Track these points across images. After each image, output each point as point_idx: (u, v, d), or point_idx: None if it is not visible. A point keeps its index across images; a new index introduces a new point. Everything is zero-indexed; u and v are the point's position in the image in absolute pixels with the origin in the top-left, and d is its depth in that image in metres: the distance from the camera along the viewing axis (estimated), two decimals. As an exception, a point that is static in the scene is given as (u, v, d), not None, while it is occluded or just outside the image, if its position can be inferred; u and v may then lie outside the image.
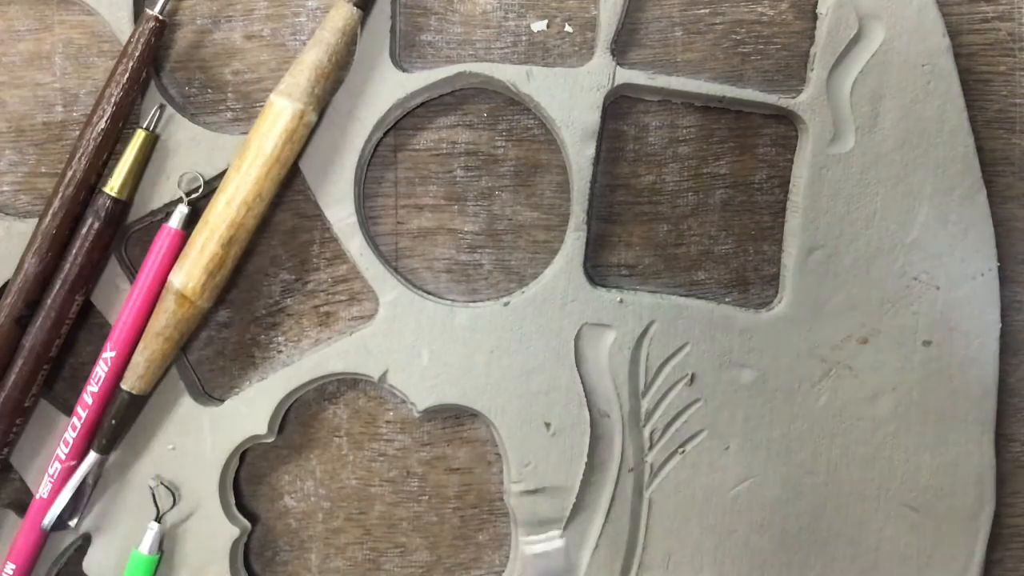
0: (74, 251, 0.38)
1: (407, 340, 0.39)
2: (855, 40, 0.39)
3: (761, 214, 0.41)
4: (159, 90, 0.39)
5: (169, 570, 0.40)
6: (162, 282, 0.38)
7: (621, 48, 0.40)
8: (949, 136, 0.39)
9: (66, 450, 0.38)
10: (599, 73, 0.39)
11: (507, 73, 0.39)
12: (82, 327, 0.40)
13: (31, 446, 0.40)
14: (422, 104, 0.40)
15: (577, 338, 0.39)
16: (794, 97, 0.39)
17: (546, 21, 0.40)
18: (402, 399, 0.41)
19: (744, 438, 0.39)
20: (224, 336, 0.41)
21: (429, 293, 0.40)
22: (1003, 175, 0.41)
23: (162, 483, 0.40)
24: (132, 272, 0.40)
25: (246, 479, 0.41)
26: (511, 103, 0.40)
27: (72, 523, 0.39)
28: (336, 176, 0.39)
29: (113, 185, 0.38)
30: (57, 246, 0.38)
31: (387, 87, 0.39)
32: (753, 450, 0.39)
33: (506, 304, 0.39)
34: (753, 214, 0.41)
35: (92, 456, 0.38)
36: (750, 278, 0.41)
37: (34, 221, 0.39)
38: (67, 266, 0.38)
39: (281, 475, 0.41)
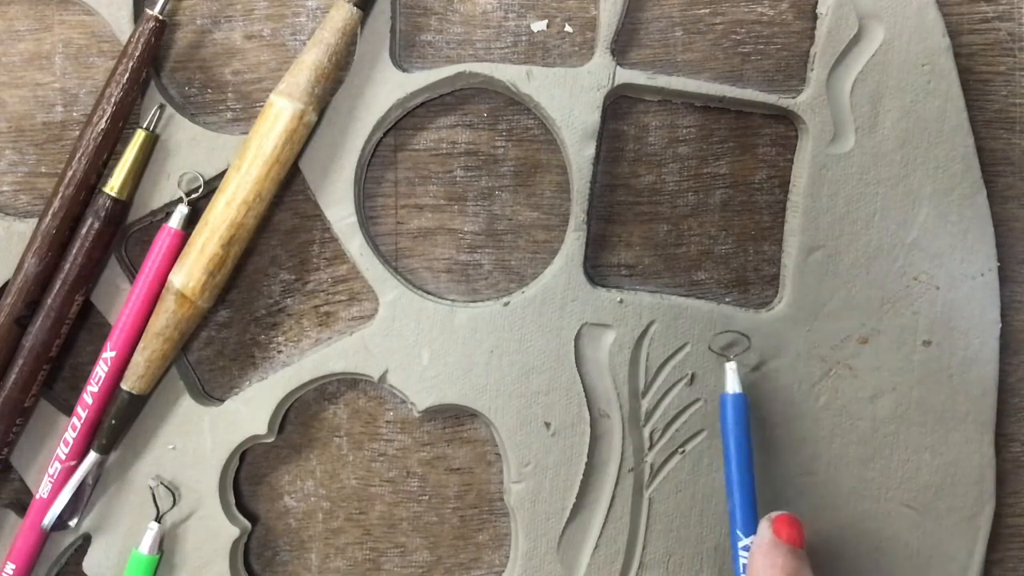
0: (74, 251, 0.38)
1: (407, 340, 0.39)
2: (855, 40, 0.39)
3: (761, 214, 0.41)
4: (159, 90, 0.39)
5: (169, 570, 0.40)
6: (162, 282, 0.38)
7: (621, 48, 0.40)
8: (949, 136, 0.39)
9: (66, 450, 0.38)
10: (599, 73, 0.39)
11: (507, 73, 0.39)
12: (82, 327, 0.40)
13: (31, 446, 0.40)
14: (422, 104, 0.40)
15: (577, 338, 0.39)
16: (794, 97, 0.39)
17: (546, 21, 0.40)
18: (402, 399, 0.41)
19: (744, 438, 0.39)
20: (224, 336, 0.41)
21: (429, 293, 0.40)
22: (1003, 175, 0.41)
23: (162, 483, 0.40)
24: (132, 272, 0.40)
25: (246, 479, 0.41)
26: (511, 103, 0.40)
27: (72, 523, 0.39)
28: (336, 176, 0.39)
29: (113, 185, 0.38)
30: (57, 246, 0.38)
31: (387, 87, 0.39)
32: (753, 450, 0.39)
33: (506, 304, 0.39)
34: (753, 214, 0.41)
35: (92, 456, 0.38)
36: (750, 278, 0.41)
37: (34, 221, 0.39)
38: (67, 266, 0.38)
39: (281, 475, 0.41)
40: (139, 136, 0.38)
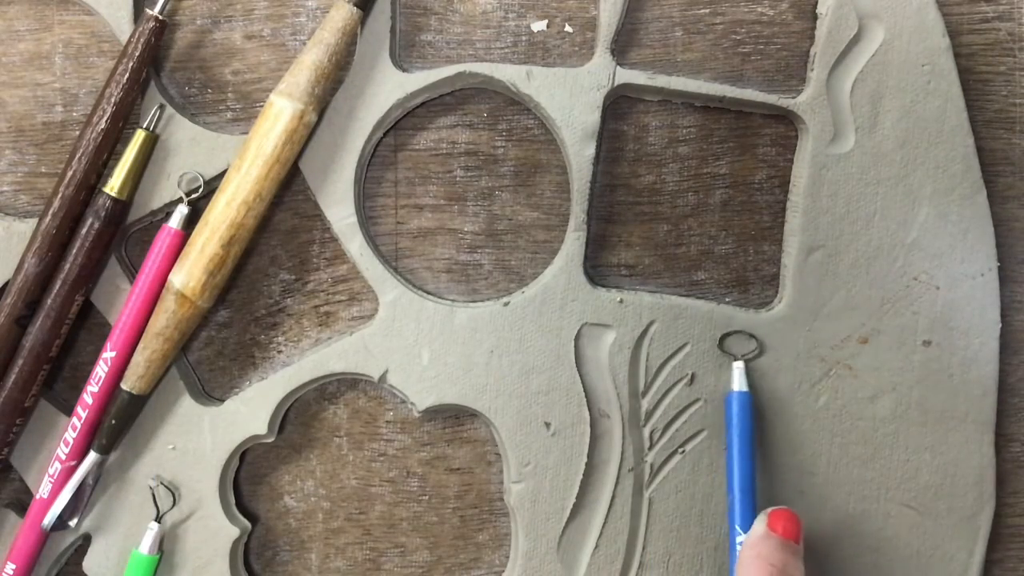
0: (74, 251, 0.38)
1: (407, 340, 0.39)
2: (855, 40, 0.39)
3: (761, 214, 0.41)
4: (159, 90, 0.39)
5: (169, 570, 0.40)
6: (162, 282, 0.38)
7: (621, 48, 0.40)
8: (949, 136, 0.39)
9: (66, 450, 0.38)
10: (599, 73, 0.39)
11: (507, 73, 0.39)
12: (82, 327, 0.40)
13: (31, 446, 0.40)
14: (422, 104, 0.40)
15: (577, 338, 0.39)
16: (794, 97, 0.39)
17: (546, 21, 0.40)
18: (402, 399, 0.41)
19: (744, 438, 0.39)
20: (224, 336, 0.41)
21: (429, 293, 0.40)
22: (1003, 175, 0.41)
23: (162, 483, 0.40)
24: (132, 272, 0.40)
25: (246, 479, 0.41)
26: (511, 103, 0.40)
27: (72, 523, 0.39)
28: (336, 176, 0.39)
29: (113, 185, 0.38)
30: (57, 246, 0.38)
31: (387, 87, 0.39)
32: (755, 449, 0.39)
33: (506, 304, 0.39)
34: (753, 214, 0.41)
35: (92, 456, 0.38)
36: (750, 278, 0.41)
37: (34, 221, 0.39)
38: (67, 266, 0.38)
39: (281, 475, 0.41)
40: (139, 136, 0.38)
